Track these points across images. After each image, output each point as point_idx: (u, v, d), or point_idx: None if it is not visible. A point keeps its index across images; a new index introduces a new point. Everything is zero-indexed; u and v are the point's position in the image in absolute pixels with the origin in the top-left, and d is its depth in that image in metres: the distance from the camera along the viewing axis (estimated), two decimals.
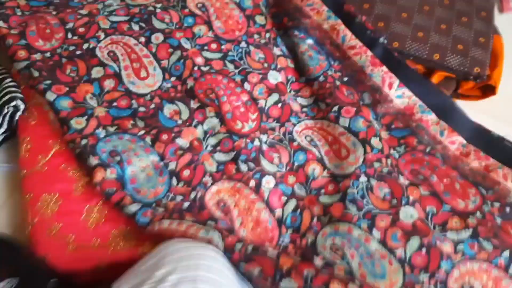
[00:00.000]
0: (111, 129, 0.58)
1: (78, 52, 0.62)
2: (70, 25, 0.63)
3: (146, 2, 0.67)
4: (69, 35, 0.63)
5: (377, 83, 0.63)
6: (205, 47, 0.65)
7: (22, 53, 0.60)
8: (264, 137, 0.60)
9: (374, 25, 0.66)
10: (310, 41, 0.66)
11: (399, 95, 0.62)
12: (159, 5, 0.66)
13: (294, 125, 0.62)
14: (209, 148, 0.59)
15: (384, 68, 0.63)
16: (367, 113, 0.61)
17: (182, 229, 0.50)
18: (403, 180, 0.57)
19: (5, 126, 0.58)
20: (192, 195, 0.56)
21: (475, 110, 0.65)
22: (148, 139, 0.58)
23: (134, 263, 0.46)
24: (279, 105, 0.63)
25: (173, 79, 0.63)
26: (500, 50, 0.68)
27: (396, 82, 0.62)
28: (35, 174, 0.55)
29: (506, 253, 0.51)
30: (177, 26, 0.65)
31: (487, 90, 0.67)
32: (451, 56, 0.65)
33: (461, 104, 0.64)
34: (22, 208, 0.55)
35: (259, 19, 0.68)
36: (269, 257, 0.48)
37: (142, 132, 0.58)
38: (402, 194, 0.55)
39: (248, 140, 0.59)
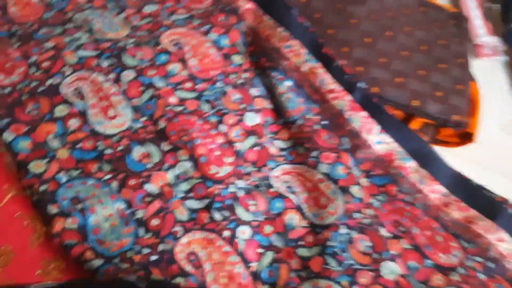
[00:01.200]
0: (74, 173, 0.53)
1: (41, 89, 0.57)
2: (33, 59, 0.59)
3: (117, 37, 0.63)
4: (32, 70, 0.58)
5: (356, 128, 0.61)
6: (179, 86, 0.62)
7: None
8: (240, 183, 0.57)
9: (353, 69, 0.65)
10: (288, 83, 0.64)
11: (379, 141, 0.61)
12: (131, 41, 0.63)
13: (272, 169, 0.59)
14: (180, 195, 0.55)
15: (363, 113, 0.61)
16: (346, 159, 0.59)
17: None
18: (384, 232, 0.55)
19: None
20: (161, 247, 0.51)
21: (453, 155, 0.64)
22: (114, 184, 0.53)
23: None
24: (256, 148, 0.60)
25: (143, 119, 0.59)
26: (476, 97, 0.68)
27: (376, 127, 0.61)
28: None
29: None
30: (149, 63, 0.62)
31: (466, 137, 0.67)
32: (431, 103, 0.64)
33: (440, 150, 0.63)
34: None
35: (236, 59, 0.66)
36: None
37: (108, 176, 0.54)
38: (383, 248, 0.53)
39: (222, 186, 0.56)
